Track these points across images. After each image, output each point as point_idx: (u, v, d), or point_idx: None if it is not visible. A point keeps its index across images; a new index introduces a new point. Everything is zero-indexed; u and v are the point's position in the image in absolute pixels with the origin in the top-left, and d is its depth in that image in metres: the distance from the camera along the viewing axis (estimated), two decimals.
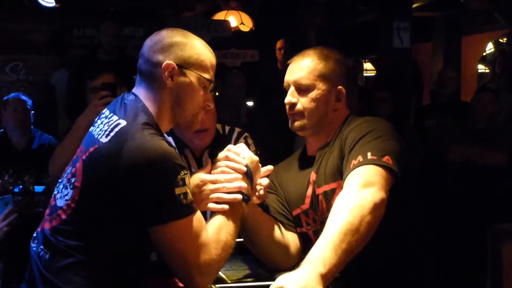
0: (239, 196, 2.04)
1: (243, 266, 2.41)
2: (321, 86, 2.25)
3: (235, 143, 2.29)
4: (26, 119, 4.90)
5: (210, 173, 2.15)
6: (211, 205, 2.05)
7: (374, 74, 9.37)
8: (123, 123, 1.88)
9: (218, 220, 1.99)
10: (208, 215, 2.09)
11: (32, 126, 4.98)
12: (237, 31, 7.59)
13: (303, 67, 2.28)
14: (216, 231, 1.94)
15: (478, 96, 5.22)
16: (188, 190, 1.85)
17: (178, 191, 1.81)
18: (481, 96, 5.17)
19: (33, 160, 4.58)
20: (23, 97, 4.92)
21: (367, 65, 9.68)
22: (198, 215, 1.89)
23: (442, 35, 8.16)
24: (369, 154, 1.99)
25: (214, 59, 2.07)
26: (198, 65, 2.00)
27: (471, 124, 5.12)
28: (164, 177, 1.81)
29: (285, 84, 2.33)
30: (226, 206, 2.02)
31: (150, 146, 1.80)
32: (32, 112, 4.95)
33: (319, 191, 2.22)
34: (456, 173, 4.93)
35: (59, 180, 2.04)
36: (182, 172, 1.83)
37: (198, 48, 2.02)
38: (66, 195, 1.94)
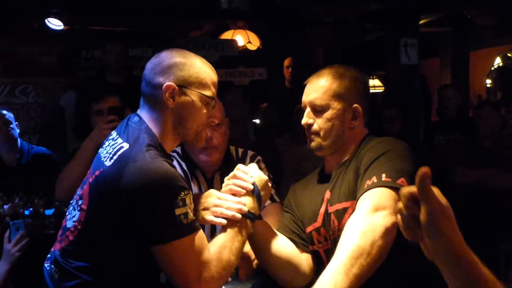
0: (238, 215, 2.04)
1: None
2: (336, 106, 2.24)
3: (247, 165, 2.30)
4: (8, 133, 4.72)
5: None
6: (210, 217, 2.07)
7: (382, 90, 9.36)
8: (125, 146, 1.92)
9: (222, 239, 2.00)
10: (217, 229, 2.09)
11: (20, 140, 4.85)
12: (245, 49, 7.62)
13: (318, 87, 2.27)
14: (218, 250, 1.96)
15: (477, 111, 5.24)
16: (189, 210, 1.87)
17: (178, 211, 1.83)
18: (480, 111, 5.19)
19: (25, 176, 4.52)
20: (1, 112, 4.74)
21: (375, 82, 9.68)
22: (200, 233, 1.92)
23: (449, 51, 8.15)
24: (383, 175, 1.97)
25: (215, 76, 2.09)
26: (199, 83, 2.02)
27: (477, 142, 5.11)
28: (164, 199, 1.84)
29: (302, 104, 2.32)
30: (223, 221, 2.04)
31: (150, 168, 1.83)
32: (16, 123, 4.79)
33: (332, 209, 2.20)
34: (464, 192, 4.92)
35: (70, 202, 2.07)
36: (182, 193, 1.85)
37: (198, 67, 2.04)
38: (73, 216, 1.97)
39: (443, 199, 1.28)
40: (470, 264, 1.28)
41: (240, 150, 2.80)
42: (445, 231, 1.27)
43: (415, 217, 1.30)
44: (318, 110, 2.25)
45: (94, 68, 6.76)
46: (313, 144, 2.27)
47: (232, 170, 2.20)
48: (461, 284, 1.29)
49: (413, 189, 1.29)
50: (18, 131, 4.83)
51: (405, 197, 1.31)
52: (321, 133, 2.24)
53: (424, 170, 1.24)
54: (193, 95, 2.01)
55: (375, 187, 1.95)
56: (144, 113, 2.04)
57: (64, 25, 6.56)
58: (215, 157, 2.64)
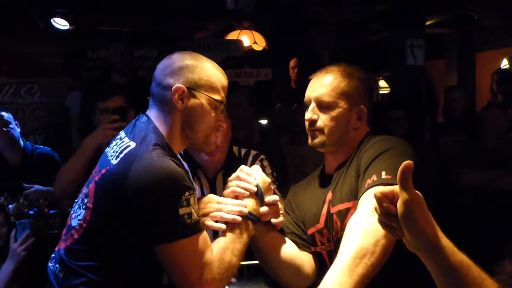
0: (238, 218, 2.04)
1: None
2: (342, 105, 2.20)
3: (250, 166, 2.28)
4: (8, 134, 4.65)
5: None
6: (210, 223, 2.07)
7: (387, 91, 9.35)
8: (132, 145, 1.92)
9: (224, 240, 2.01)
10: (220, 233, 2.08)
11: (23, 140, 4.80)
12: (250, 50, 7.61)
13: (326, 84, 2.22)
14: (220, 251, 1.96)
15: (484, 113, 5.22)
16: (193, 210, 1.87)
17: (182, 211, 1.83)
18: (487, 113, 5.17)
19: (29, 176, 4.49)
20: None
21: (381, 83, 9.65)
22: (204, 234, 1.92)
23: (455, 52, 8.13)
24: (383, 173, 1.94)
25: (225, 80, 2.08)
26: (208, 87, 2.02)
27: (482, 143, 5.09)
28: (168, 198, 1.84)
29: (306, 99, 2.27)
30: (223, 226, 2.04)
31: (156, 167, 1.83)
32: (16, 122, 4.73)
33: (334, 210, 2.18)
34: (470, 193, 4.91)
35: (75, 200, 2.07)
36: (187, 192, 1.85)
37: (208, 70, 2.04)
38: (79, 215, 1.97)
39: (418, 193, 1.38)
40: (444, 251, 1.38)
41: (243, 150, 2.78)
42: (419, 221, 1.36)
43: (391, 215, 1.40)
44: (324, 107, 2.21)
45: (99, 69, 6.76)
46: (316, 140, 2.23)
47: (235, 170, 2.19)
48: (437, 270, 1.40)
49: (385, 189, 1.41)
50: (18, 130, 4.77)
51: (378, 198, 1.41)
52: (325, 130, 2.21)
53: (408, 162, 1.36)
54: (202, 98, 2.01)
55: (376, 185, 1.92)
56: (152, 114, 2.04)
57: (70, 25, 6.57)
58: (217, 157, 2.62)
